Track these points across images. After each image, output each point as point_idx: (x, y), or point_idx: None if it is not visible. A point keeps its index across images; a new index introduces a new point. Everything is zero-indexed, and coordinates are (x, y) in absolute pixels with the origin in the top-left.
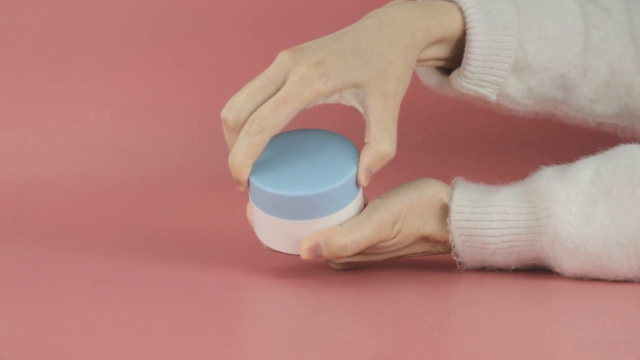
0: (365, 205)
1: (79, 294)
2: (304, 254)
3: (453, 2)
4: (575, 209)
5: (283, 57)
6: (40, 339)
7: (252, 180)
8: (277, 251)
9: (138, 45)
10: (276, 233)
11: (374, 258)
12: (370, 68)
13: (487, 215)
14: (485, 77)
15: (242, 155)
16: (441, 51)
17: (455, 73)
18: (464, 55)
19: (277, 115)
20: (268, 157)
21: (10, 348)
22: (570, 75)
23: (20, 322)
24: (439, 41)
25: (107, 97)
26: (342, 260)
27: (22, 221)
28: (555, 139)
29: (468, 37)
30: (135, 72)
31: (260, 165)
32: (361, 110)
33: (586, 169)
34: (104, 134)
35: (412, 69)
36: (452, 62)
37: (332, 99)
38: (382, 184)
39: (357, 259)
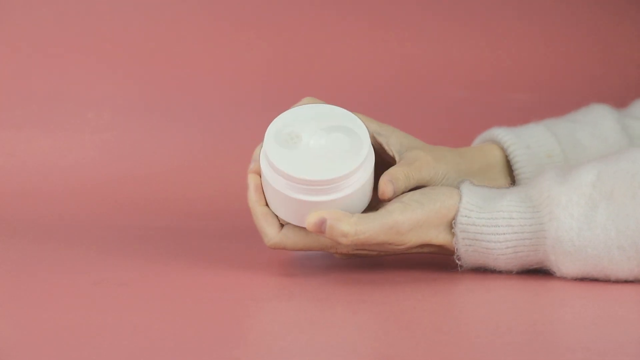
0: (373, 186)
1: (79, 294)
2: (310, 226)
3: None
4: (577, 212)
5: None
6: (40, 339)
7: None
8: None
9: (138, 45)
10: (283, 205)
11: (381, 254)
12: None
13: (492, 221)
14: None
15: None
16: (490, 179)
17: None
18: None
19: None
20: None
21: (10, 348)
22: None
23: (20, 322)
24: (483, 169)
25: (107, 97)
26: (344, 251)
27: (22, 221)
28: None
29: (514, 173)
30: (135, 72)
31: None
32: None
33: (587, 172)
34: (104, 134)
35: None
36: None
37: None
38: None
39: (361, 252)
